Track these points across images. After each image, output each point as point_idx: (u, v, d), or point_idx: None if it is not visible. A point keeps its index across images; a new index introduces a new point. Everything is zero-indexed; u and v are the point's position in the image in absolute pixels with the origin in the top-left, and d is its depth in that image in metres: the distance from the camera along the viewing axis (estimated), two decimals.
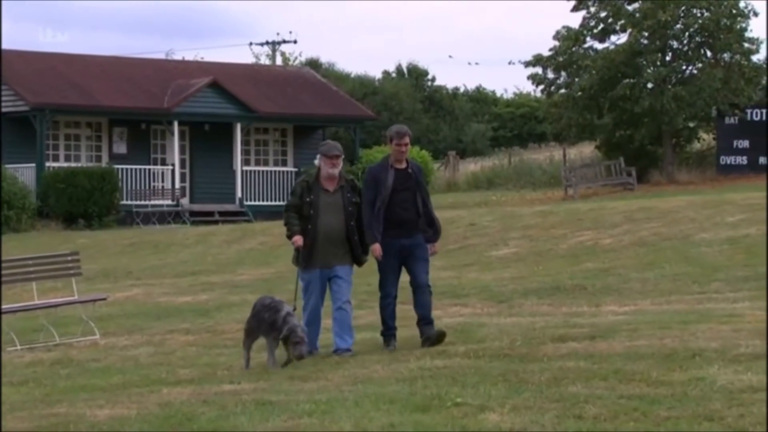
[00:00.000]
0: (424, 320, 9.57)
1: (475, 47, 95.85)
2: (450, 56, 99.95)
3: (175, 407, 7.37)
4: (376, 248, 9.39)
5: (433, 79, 67.44)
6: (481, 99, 67.57)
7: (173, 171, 32.35)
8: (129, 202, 31.12)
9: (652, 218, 18.89)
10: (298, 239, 9.33)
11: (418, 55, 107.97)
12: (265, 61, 51.32)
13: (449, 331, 10.38)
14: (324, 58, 65.64)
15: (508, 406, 6.78)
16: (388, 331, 9.59)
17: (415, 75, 66.86)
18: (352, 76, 65.77)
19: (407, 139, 9.56)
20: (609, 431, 6.09)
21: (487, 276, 15.26)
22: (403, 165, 9.54)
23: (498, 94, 68.26)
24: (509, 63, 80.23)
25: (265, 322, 8.93)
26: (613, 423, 6.23)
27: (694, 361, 7.73)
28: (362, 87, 62.73)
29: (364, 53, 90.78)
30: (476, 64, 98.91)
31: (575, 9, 34.93)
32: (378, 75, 67.11)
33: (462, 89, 68.23)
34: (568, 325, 10.21)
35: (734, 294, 11.61)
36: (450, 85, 66.89)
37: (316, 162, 9.66)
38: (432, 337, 9.41)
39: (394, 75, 67.26)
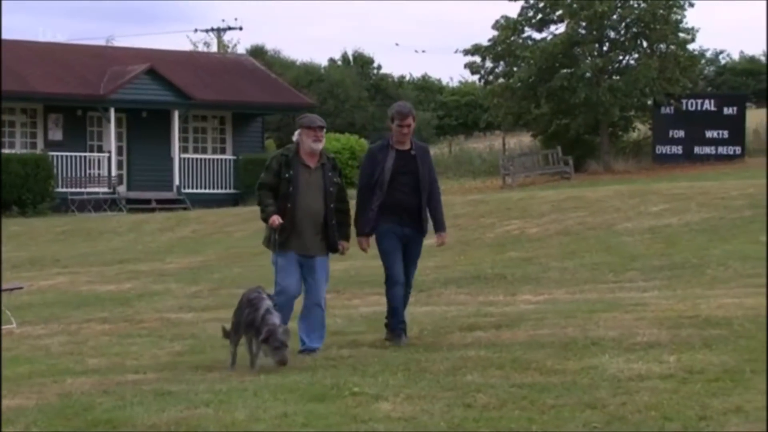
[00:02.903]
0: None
1: (422, 35, 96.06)
2: (396, 44, 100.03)
3: (74, 397, 7.35)
4: (363, 241, 8.69)
5: (379, 67, 67.55)
6: (426, 87, 67.79)
7: (110, 158, 32.11)
8: (64, 190, 30.86)
9: (579, 207, 19.12)
10: (276, 218, 8.43)
11: (364, 43, 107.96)
12: (202, 48, 51.05)
13: (363, 320, 10.50)
14: (269, 45, 65.47)
15: (403, 395, 6.85)
16: (399, 324, 8.76)
17: (361, 63, 66.93)
18: (298, 63, 65.68)
19: (410, 120, 8.64)
20: (494, 419, 6.18)
21: None
22: (406, 146, 8.70)
23: (444, 83, 68.58)
24: (455, 51, 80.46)
25: (245, 319, 8.15)
26: (500, 411, 6.33)
27: (589, 350, 7.86)
28: (308, 74, 62.61)
29: (309, 41, 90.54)
30: (423, 52, 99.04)
31: None
32: (324, 62, 67.05)
33: (408, 77, 68.45)
34: (480, 314, 10.33)
35: (646, 283, 11.82)
36: (396, 73, 66.96)
37: (295, 138, 8.72)
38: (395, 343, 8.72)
39: (339, 63, 67.26)
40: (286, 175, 8.47)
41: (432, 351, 8.38)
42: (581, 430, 5.82)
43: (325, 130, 8.61)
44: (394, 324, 8.79)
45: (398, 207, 8.60)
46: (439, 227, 8.87)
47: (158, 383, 7.73)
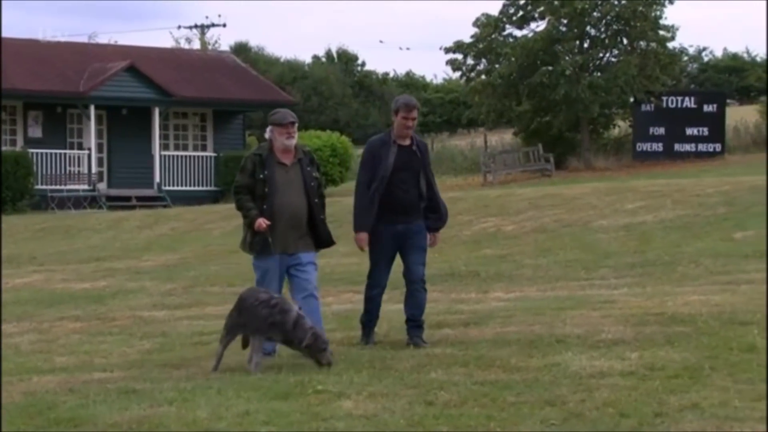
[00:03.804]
0: (413, 322, 8.55)
1: (407, 32, 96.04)
2: (381, 41, 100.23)
3: (38, 396, 7.34)
4: (362, 238, 8.32)
5: (363, 64, 67.69)
6: (411, 84, 67.96)
7: (89, 155, 32.03)
8: (44, 187, 30.78)
9: (556, 205, 19.16)
10: (262, 222, 8.11)
11: (349, 40, 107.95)
12: (184, 45, 51.01)
13: (334, 318, 10.49)
14: (253, 42, 65.47)
15: (366, 392, 6.86)
16: (370, 323, 8.62)
17: (345, 60, 67.01)
18: (282, 60, 65.71)
19: (416, 113, 8.37)
20: (454, 416, 6.21)
21: None
22: (407, 141, 8.39)
23: (428, 80, 68.74)
24: (440, 48, 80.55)
25: (264, 320, 7.78)
26: (461, 408, 6.36)
27: (554, 347, 7.89)
28: (291, 71, 62.67)
29: (293, 38, 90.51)
30: (407, 49, 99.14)
31: None
32: (308, 59, 67.12)
33: (392, 74, 68.60)
34: (450, 311, 10.35)
35: (617, 280, 11.85)
36: (380, 70, 67.12)
37: (267, 135, 8.50)
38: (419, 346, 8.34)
39: (323, 60, 67.33)
40: (261, 176, 8.18)
41: (398, 349, 8.40)
42: (539, 427, 5.85)
43: (296, 125, 8.33)
44: (366, 321, 8.66)
45: (396, 205, 8.30)
46: (434, 226, 8.51)
47: (124, 381, 7.73)
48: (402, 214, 8.33)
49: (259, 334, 7.84)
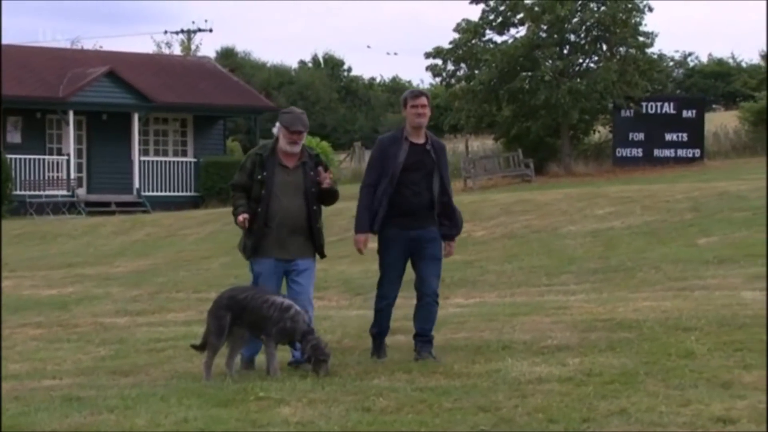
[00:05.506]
0: (423, 337, 8.08)
1: (395, 37, 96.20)
2: (368, 47, 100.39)
3: None
4: (359, 240, 7.81)
5: (350, 69, 67.80)
6: (397, 89, 68.10)
7: (69, 161, 32.02)
8: (22, 192, 30.75)
9: (528, 211, 19.22)
10: (242, 217, 7.79)
11: (336, 45, 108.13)
12: (164, 49, 51.02)
13: None
14: (240, 47, 65.56)
15: (306, 399, 6.90)
16: (380, 335, 8.18)
17: (331, 65, 67.11)
18: (268, 65, 65.80)
19: (425, 100, 7.72)
20: (389, 422, 6.26)
21: (355, 268, 15.39)
22: (421, 139, 7.76)
23: (415, 85, 68.87)
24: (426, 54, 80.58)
25: (274, 324, 7.61)
26: (397, 415, 6.40)
27: (499, 353, 7.94)
28: (278, 76, 62.75)
29: (280, 42, 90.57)
30: (395, 54, 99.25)
31: (475, 1, 35.31)
32: (294, 64, 67.21)
33: (379, 79, 68.72)
34: (407, 318, 10.29)
35: (576, 286, 11.91)
36: (366, 75, 67.21)
37: (275, 131, 8.18)
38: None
39: (310, 65, 67.40)
40: (259, 177, 7.80)
41: (347, 355, 8.43)
42: None
43: (305, 134, 7.88)
44: (377, 334, 8.25)
45: (406, 208, 7.73)
46: (450, 233, 7.96)
47: (70, 389, 7.75)
48: (413, 219, 7.75)
49: (269, 339, 7.67)
